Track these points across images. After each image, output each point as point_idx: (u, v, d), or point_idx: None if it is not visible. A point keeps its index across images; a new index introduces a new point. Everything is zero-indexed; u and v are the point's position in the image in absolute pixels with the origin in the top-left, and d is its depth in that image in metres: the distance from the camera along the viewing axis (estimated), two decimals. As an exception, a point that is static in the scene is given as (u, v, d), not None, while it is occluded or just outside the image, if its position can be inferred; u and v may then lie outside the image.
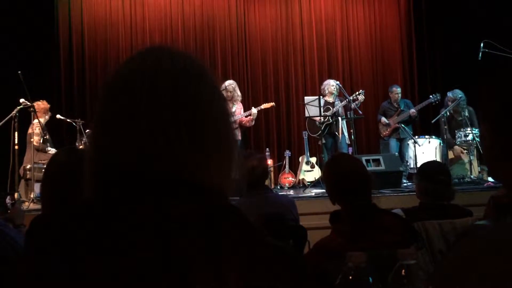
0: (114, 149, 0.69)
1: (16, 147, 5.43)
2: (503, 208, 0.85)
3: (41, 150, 5.78)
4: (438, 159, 6.48)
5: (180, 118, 0.70)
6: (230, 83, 6.46)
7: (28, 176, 5.58)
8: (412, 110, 6.90)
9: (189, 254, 0.63)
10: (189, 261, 0.63)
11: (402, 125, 6.79)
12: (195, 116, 0.71)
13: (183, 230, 0.65)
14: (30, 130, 5.88)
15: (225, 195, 0.74)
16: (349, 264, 0.90)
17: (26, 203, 5.17)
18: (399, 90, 7.13)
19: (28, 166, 5.65)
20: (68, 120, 6.34)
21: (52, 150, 5.83)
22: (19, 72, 5.23)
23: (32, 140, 5.76)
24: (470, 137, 6.32)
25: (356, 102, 6.48)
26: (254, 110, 6.40)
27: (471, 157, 6.45)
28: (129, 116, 0.69)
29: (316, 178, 6.66)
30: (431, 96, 6.93)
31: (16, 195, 5.17)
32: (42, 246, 0.67)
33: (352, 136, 6.41)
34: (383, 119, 7.11)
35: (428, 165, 3.07)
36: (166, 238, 0.64)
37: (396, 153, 6.48)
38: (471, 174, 6.34)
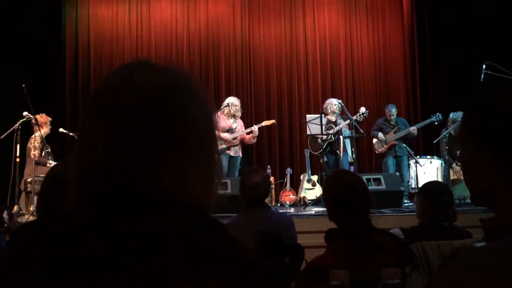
0: (95, 164, 0.70)
1: (18, 160, 5.46)
2: (491, 231, 0.85)
3: (41, 163, 5.78)
4: (440, 180, 6.45)
5: (160, 135, 0.69)
6: (234, 99, 6.48)
7: (28, 189, 5.59)
8: (413, 128, 6.89)
9: (169, 269, 0.63)
10: (169, 276, 0.63)
11: (404, 145, 6.77)
12: (177, 133, 0.71)
13: (164, 246, 0.65)
14: (29, 144, 5.90)
15: (207, 211, 0.74)
16: (333, 282, 0.90)
17: (26, 216, 5.17)
18: (393, 111, 7.12)
19: (29, 179, 5.65)
20: (71, 133, 6.36)
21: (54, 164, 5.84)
22: (23, 85, 5.27)
23: (32, 154, 5.77)
24: (472, 158, 6.28)
25: (358, 117, 6.50)
26: (255, 128, 6.40)
27: (473, 178, 6.40)
28: (107, 132, 0.69)
29: (317, 196, 6.64)
30: (432, 116, 6.94)
31: (16, 207, 5.17)
32: (18, 259, 0.67)
33: (354, 154, 6.40)
34: (380, 134, 7.07)
35: (431, 185, 2.99)
36: (146, 254, 0.64)
37: (397, 173, 6.45)
38: (472, 195, 6.28)
